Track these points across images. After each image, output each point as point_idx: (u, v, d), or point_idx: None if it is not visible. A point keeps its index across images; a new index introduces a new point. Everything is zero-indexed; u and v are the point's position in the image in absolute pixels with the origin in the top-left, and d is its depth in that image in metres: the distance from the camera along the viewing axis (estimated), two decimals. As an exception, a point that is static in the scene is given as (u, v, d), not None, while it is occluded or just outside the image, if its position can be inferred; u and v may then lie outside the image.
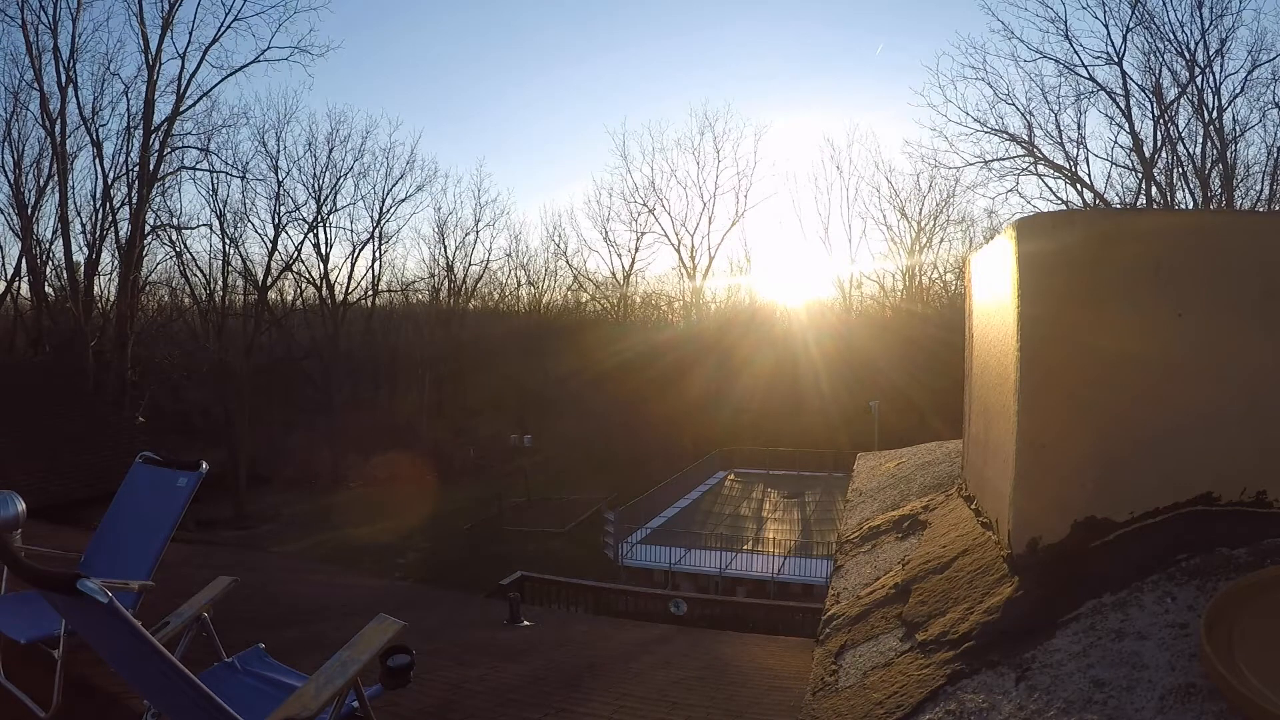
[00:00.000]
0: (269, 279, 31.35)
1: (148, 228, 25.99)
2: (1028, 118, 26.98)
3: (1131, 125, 25.54)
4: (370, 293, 35.46)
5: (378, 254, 34.99)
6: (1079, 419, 1.16)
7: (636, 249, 37.18)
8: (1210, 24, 23.68)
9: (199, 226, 34.29)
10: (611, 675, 5.22)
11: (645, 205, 36.95)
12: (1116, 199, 26.47)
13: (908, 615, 1.24)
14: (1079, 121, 34.51)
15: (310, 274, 33.58)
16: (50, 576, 2.37)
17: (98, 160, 24.94)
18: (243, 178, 30.14)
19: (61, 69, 23.61)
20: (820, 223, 50.24)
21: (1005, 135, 27.00)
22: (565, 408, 32.73)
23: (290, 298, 34.19)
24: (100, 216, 25.18)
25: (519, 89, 59.05)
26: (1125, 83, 25.13)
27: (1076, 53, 30.09)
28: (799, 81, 60.18)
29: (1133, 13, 24.13)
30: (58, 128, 23.75)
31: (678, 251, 36.48)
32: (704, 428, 29.90)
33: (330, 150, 33.70)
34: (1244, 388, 1.13)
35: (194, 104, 26.13)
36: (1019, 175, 27.32)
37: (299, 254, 32.47)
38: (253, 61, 27.83)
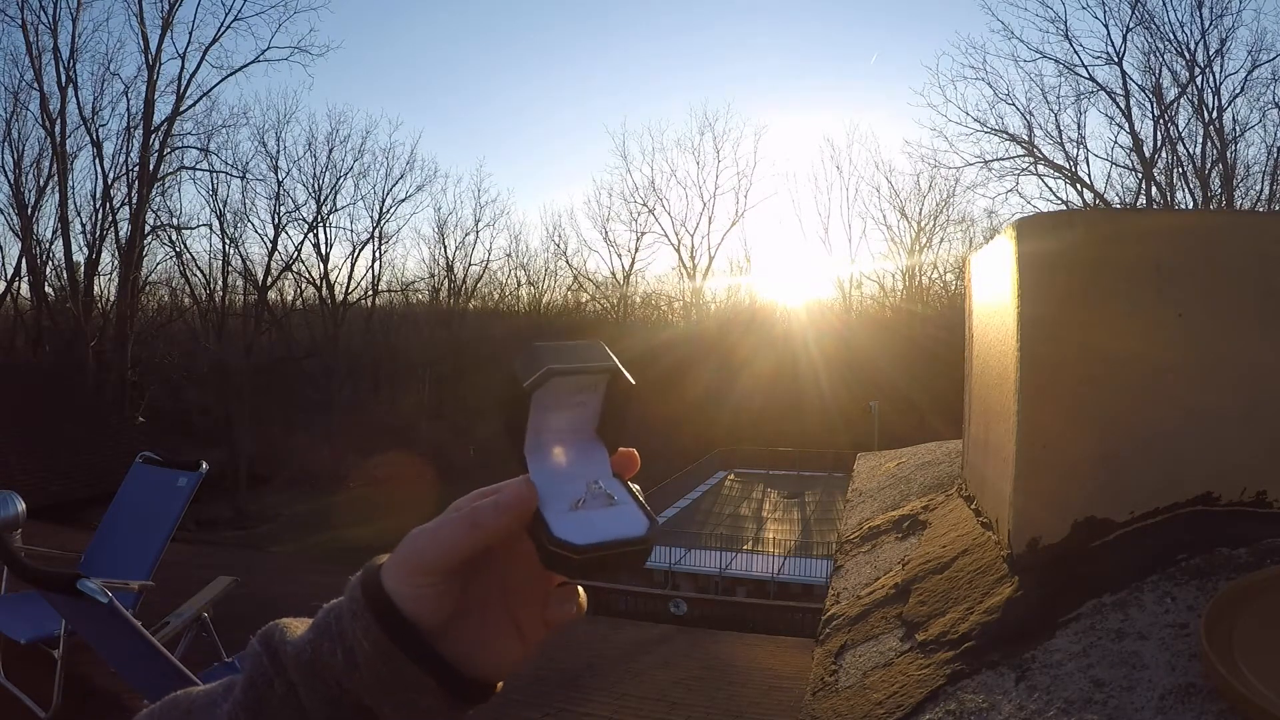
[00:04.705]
0: (269, 279, 31.39)
1: (148, 228, 26.08)
2: (1028, 118, 27.11)
3: (1131, 125, 25.63)
4: (370, 293, 35.48)
5: (378, 254, 35.03)
6: (1079, 419, 1.15)
7: (636, 249, 37.21)
8: (1210, 24, 23.77)
9: (199, 226, 34.39)
10: (611, 675, 5.22)
11: (645, 205, 37.00)
12: (1116, 199, 26.53)
13: (908, 615, 1.24)
14: (1079, 121, 34.67)
15: (310, 274, 33.60)
16: (50, 576, 2.37)
17: (98, 160, 25.08)
18: (243, 178, 30.20)
19: (61, 69, 23.70)
20: (820, 223, 50.22)
21: (1005, 135, 27.10)
22: (565, 408, 32.66)
23: (290, 298, 34.20)
24: (100, 216, 25.27)
25: (519, 89, 59.24)
26: (1125, 83, 25.22)
27: (1076, 53, 30.28)
28: (799, 81, 60.36)
29: (1133, 13, 24.21)
30: (58, 128, 23.84)
31: (678, 251, 36.53)
32: (704, 428, 29.89)
33: (330, 150, 33.70)
34: (1244, 388, 1.13)
35: (194, 104, 26.31)
36: (1019, 175, 27.43)
37: (299, 254, 32.51)
38: (253, 61, 27.98)
